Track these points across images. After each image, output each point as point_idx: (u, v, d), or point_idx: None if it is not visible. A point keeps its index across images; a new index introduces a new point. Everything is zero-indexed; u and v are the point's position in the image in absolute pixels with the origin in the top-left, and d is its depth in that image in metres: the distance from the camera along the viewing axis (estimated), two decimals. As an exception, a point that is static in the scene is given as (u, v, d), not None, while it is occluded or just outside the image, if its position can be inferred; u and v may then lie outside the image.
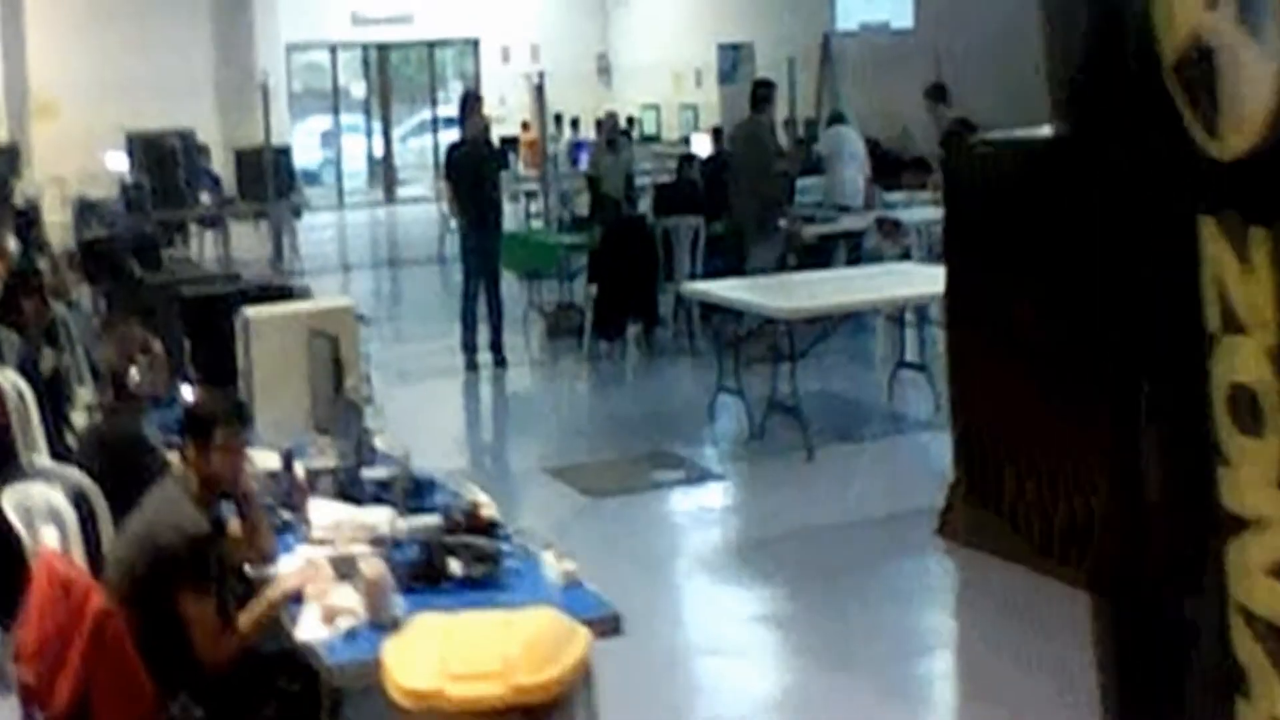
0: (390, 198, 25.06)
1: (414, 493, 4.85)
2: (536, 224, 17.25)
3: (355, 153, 25.78)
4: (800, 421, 8.39)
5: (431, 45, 25.72)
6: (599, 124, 19.58)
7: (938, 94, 12.48)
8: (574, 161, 18.08)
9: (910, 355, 9.55)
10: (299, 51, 24.09)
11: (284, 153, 16.73)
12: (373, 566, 3.95)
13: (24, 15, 20.58)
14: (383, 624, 3.78)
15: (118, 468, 4.79)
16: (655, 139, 23.15)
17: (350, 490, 4.77)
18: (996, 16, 13.23)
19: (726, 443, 8.78)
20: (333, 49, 24.83)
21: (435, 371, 11.12)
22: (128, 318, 5.98)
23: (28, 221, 10.00)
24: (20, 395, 6.56)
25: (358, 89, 25.77)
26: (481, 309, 10.90)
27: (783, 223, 11.32)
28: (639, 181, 16.12)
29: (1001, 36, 12.57)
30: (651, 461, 8.43)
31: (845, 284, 9.18)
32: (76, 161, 17.33)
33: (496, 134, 24.52)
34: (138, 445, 4.85)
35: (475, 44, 25.66)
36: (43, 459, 5.99)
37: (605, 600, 3.96)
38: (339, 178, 24.74)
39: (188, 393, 5.50)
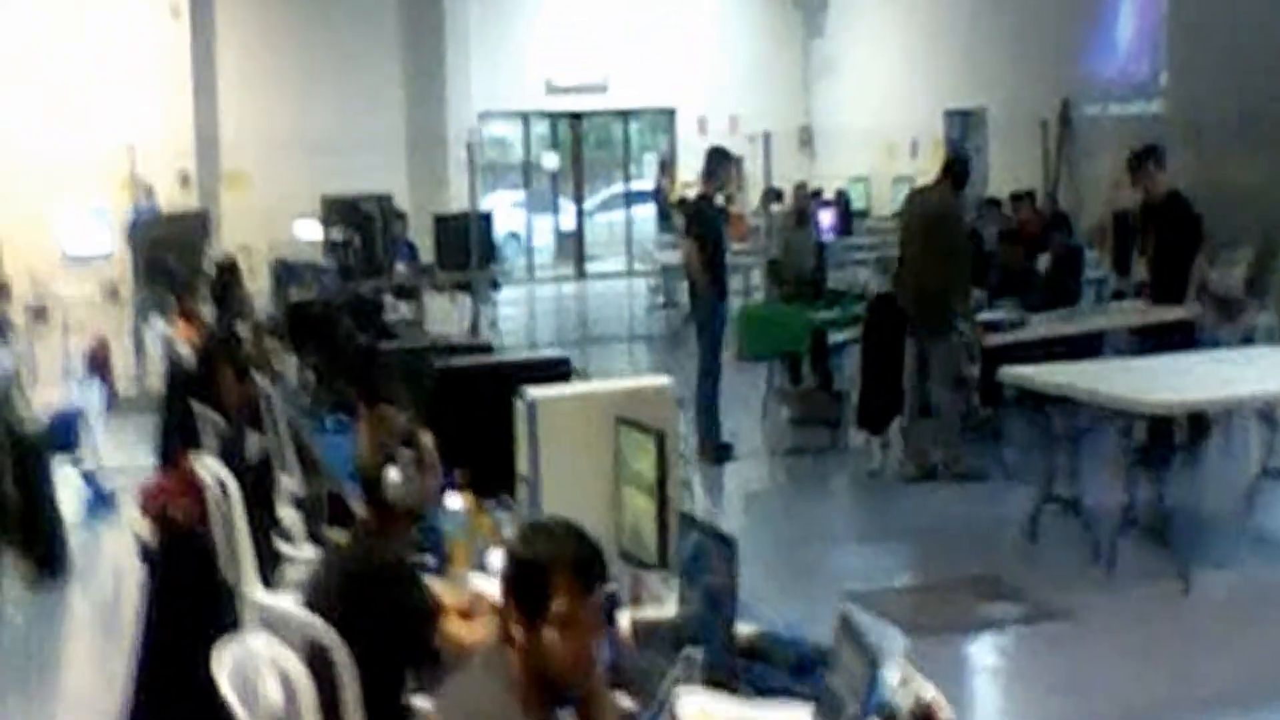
0: (580, 272, 23.81)
1: (802, 667, 3.28)
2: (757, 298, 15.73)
3: (543, 226, 24.65)
4: (1167, 543, 6.66)
5: (626, 115, 24.51)
6: (781, 195, 18.15)
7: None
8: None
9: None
10: (489, 119, 23.07)
11: (486, 219, 15.48)
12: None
13: (217, 82, 19.85)
14: None
15: (369, 614, 3.34)
16: (864, 214, 21.54)
17: (719, 668, 3.19)
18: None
19: (1063, 567, 7.06)
20: (525, 117, 23.77)
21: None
22: (380, 400, 4.54)
23: (224, 285, 8.75)
24: (224, 490, 5.16)
25: (548, 160, 24.63)
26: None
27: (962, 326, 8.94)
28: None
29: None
30: (975, 590, 6.76)
31: (1214, 369, 7.39)
32: (267, 228, 16.32)
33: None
34: (401, 584, 3.38)
35: (671, 114, 24.41)
36: (259, 592, 4.56)
37: None
38: (530, 251, 23.56)
39: (454, 504, 4.02)
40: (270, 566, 5.46)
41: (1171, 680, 5.67)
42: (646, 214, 24.77)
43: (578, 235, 24.39)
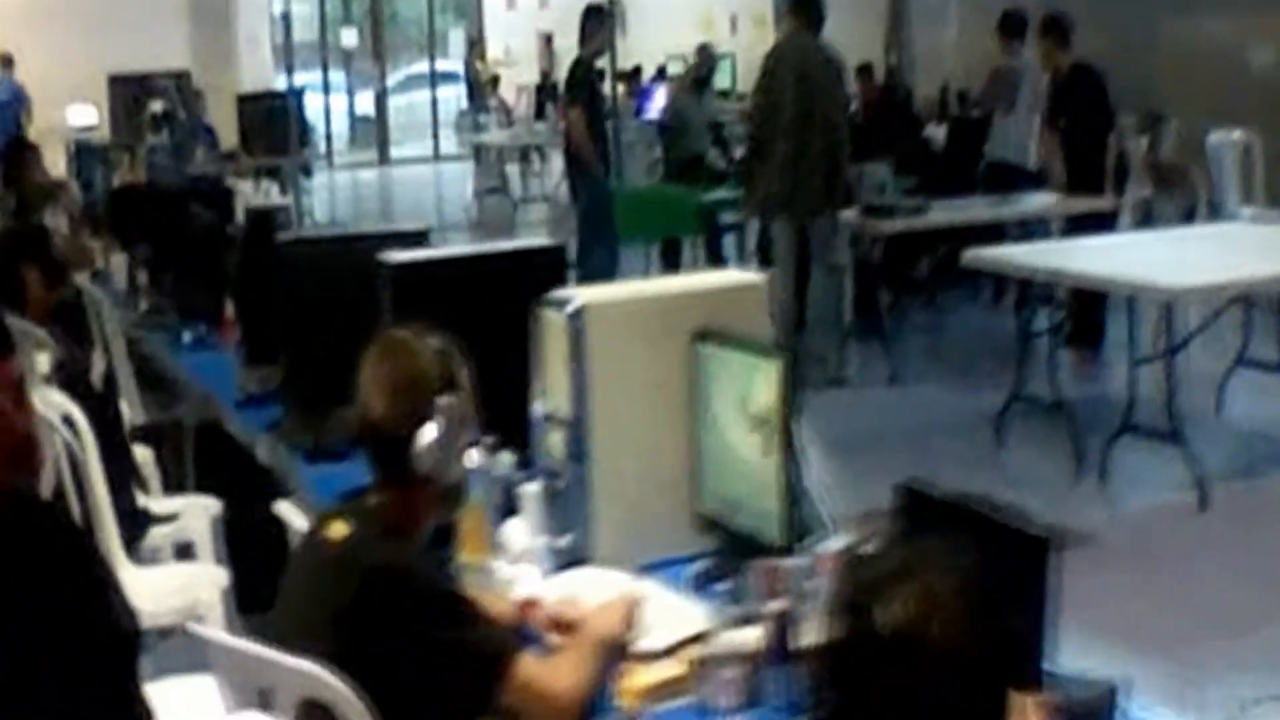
0: (384, 158, 22.20)
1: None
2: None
3: (338, 109, 22.92)
4: (1183, 445, 5.80)
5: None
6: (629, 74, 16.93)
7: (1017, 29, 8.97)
8: (637, 112, 15.30)
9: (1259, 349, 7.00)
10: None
11: (298, 97, 13.89)
12: None
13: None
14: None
15: (404, 657, 2.10)
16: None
17: None
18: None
19: (1044, 480, 6.13)
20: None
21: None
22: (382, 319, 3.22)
23: (18, 165, 7.14)
24: (72, 427, 3.83)
25: (346, 37, 22.83)
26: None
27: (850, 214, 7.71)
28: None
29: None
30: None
31: (1186, 250, 6.45)
32: (41, 114, 14.41)
33: (508, 91, 21.94)
34: (451, 607, 2.13)
35: (477, -13, 22.90)
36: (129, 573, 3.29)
37: None
38: (329, 137, 21.80)
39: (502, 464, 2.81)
40: (130, 528, 4.17)
41: (1193, 611, 4.80)
42: (450, 95, 23.28)
43: (379, 118, 22.73)
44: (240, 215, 5.94)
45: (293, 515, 2.83)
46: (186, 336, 5.19)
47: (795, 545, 2.51)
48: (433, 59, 23.09)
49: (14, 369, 2.06)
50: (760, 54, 8.02)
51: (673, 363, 2.73)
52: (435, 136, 21.92)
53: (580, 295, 2.72)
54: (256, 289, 4.55)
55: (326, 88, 22.03)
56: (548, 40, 22.63)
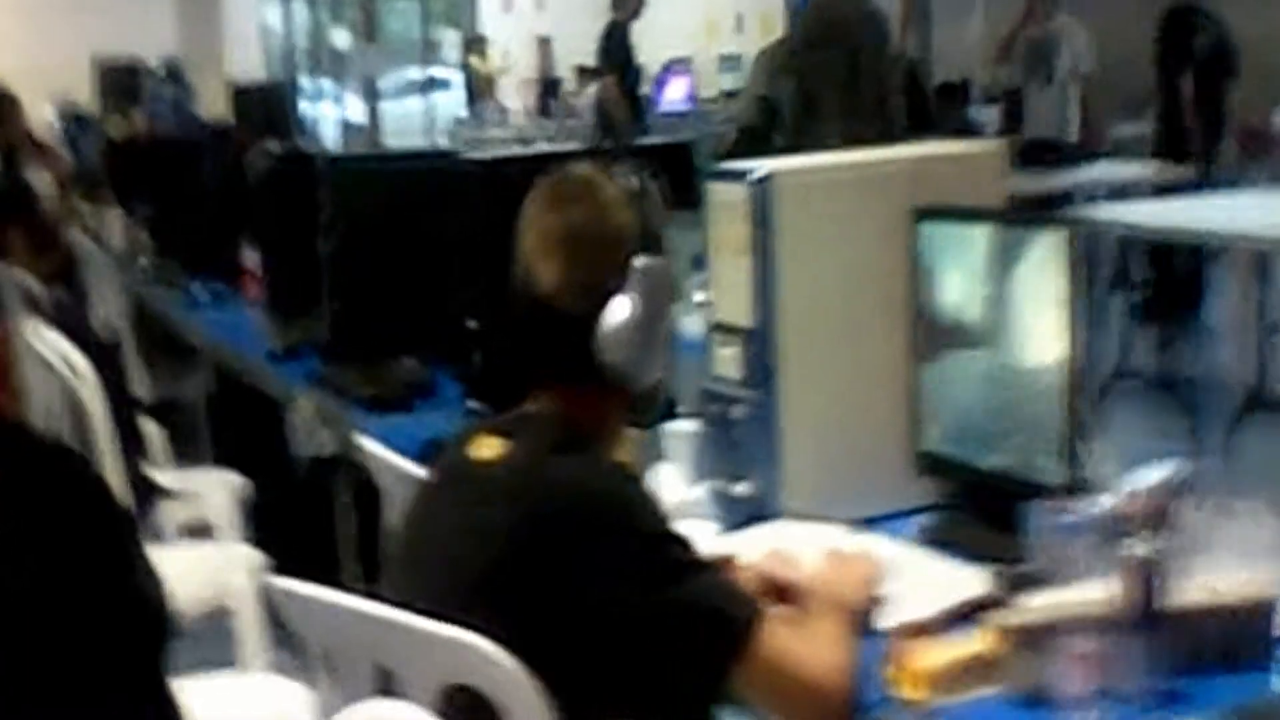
0: (377, 165, 21.50)
1: None
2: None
3: (330, 114, 22.20)
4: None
5: (422, -12, 22.18)
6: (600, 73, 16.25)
7: None
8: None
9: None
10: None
11: (294, 90, 13.25)
12: None
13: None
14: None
15: (617, 624, 1.42)
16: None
17: None
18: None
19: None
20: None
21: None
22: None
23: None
24: (74, 374, 3.13)
25: (338, 38, 22.13)
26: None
27: None
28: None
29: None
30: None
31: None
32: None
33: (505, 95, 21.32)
34: (676, 551, 1.47)
35: (473, -11, 22.22)
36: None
37: None
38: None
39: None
40: (137, 500, 3.48)
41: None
42: (445, 100, 22.59)
43: (372, 123, 21.98)
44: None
45: (378, 451, 2.16)
46: (200, 293, 4.50)
47: (1080, 486, 1.84)
48: (427, 62, 22.39)
49: None
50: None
51: (886, 249, 2.06)
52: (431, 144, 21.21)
53: (765, 164, 2.05)
54: (285, 233, 3.89)
55: (318, 91, 21.34)
56: (545, 44, 22.01)
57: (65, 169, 6.02)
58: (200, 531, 3.72)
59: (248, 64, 17.32)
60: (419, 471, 1.94)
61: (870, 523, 2.04)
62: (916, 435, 2.08)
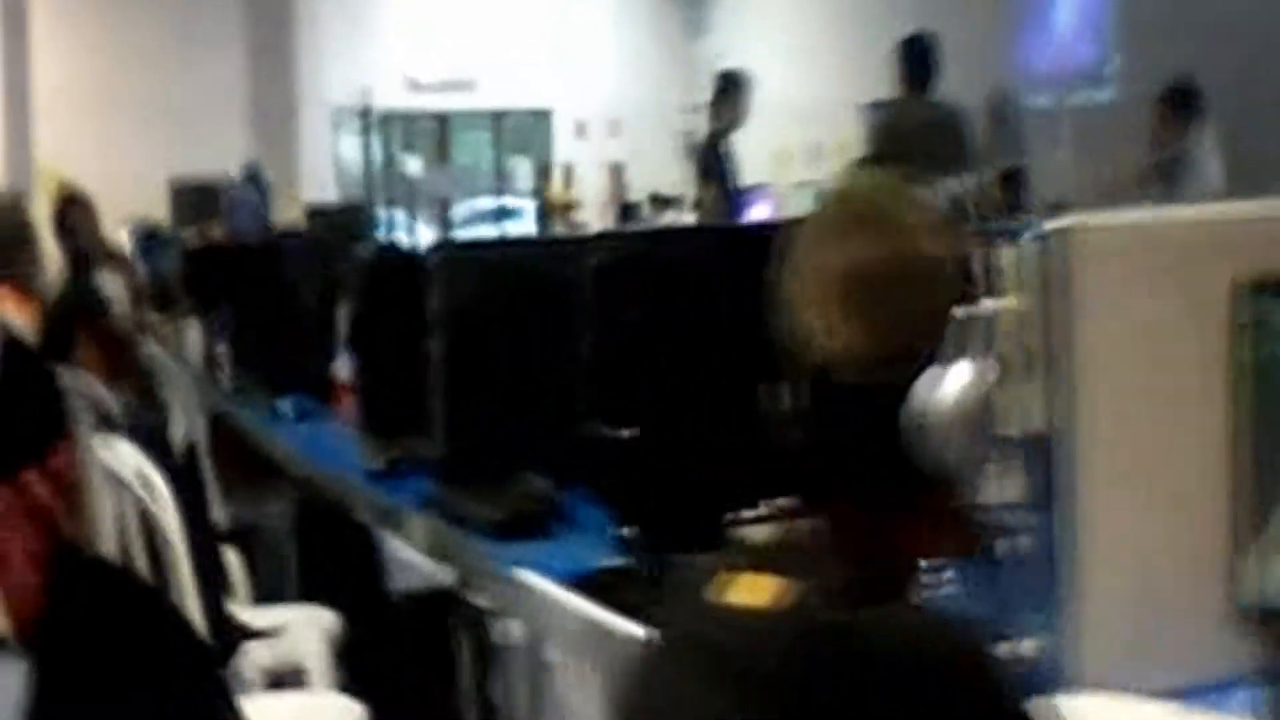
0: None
1: None
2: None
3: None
4: None
5: (498, 116, 22.13)
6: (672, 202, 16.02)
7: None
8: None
9: None
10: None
11: (365, 212, 13.04)
12: None
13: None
14: None
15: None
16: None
17: None
18: None
19: None
20: (384, 119, 21.20)
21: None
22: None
23: (71, 218, 6.04)
24: (150, 495, 2.67)
25: (411, 164, 22.12)
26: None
27: None
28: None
29: None
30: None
31: None
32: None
33: (577, 221, 21.23)
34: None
35: (547, 116, 22.17)
36: None
37: None
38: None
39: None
40: (218, 641, 3.00)
41: None
42: (518, 229, 22.49)
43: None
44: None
45: (538, 582, 1.69)
46: (286, 409, 4.07)
47: None
48: (500, 192, 22.31)
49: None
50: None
51: (1207, 329, 1.58)
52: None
53: (1062, 220, 1.59)
54: (385, 337, 3.47)
55: (390, 221, 21.27)
56: (617, 170, 21.93)
57: (139, 280, 5.67)
58: (286, 677, 3.26)
59: (321, 190, 17.25)
60: (593, 610, 1.47)
61: (1189, 695, 1.53)
62: (1241, 577, 1.58)
